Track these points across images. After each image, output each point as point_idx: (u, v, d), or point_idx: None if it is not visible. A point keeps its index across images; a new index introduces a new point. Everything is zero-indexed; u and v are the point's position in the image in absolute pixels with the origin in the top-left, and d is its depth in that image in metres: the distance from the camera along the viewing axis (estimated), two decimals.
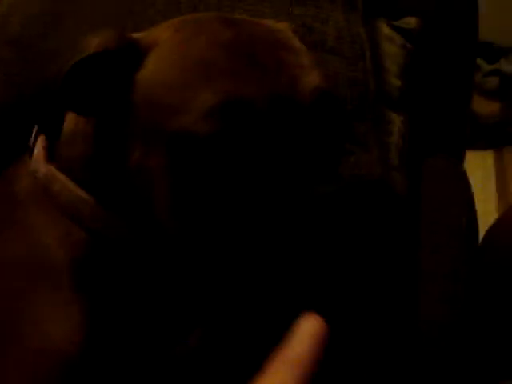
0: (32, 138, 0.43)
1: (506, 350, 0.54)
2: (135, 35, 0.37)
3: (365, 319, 0.52)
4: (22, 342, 0.36)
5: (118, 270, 0.38)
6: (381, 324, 0.51)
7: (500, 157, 1.40)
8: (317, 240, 0.33)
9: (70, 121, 0.41)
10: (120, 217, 0.38)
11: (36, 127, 0.44)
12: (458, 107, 0.66)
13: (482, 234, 0.61)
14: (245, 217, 0.33)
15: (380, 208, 0.50)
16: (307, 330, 0.26)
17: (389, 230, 0.52)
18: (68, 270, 0.37)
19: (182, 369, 0.39)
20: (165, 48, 0.36)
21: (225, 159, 0.33)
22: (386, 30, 0.65)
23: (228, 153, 0.33)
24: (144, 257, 0.38)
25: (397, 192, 0.55)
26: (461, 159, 0.68)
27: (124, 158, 0.37)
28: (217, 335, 0.39)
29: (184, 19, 0.39)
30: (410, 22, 0.65)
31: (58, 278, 0.37)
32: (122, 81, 0.36)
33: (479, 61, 1.37)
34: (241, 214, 0.33)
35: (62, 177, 0.39)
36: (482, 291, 0.57)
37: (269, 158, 0.33)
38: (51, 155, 0.41)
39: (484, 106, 1.39)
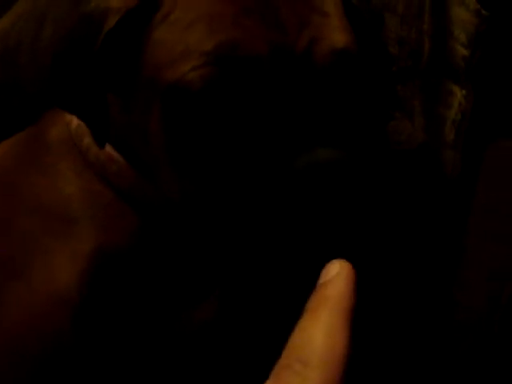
0: None
1: None
2: None
3: (396, 303, 0.49)
4: (29, 282, 0.37)
5: (135, 233, 0.38)
6: (411, 308, 0.48)
7: None
8: (333, 210, 0.30)
9: None
10: (146, 179, 0.38)
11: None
12: None
13: None
14: (247, 175, 0.31)
15: (419, 181, 0.46)
16: (340, 273, 0.27)
17: (429, 206, 0.48)
18: (84, 222, 0.38)
19: (196, 339, 0.38)
20: (173, 2, 0.34)
21: (220, 115, 0.31)
22: None
23: (224, 109, 0.30)
24: (163, 219, 0.38)
25: (446, 169, 0.50)
26: None
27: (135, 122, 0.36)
28: (233, 303, 0.38)
29: None
30: None
31: (73, 227, 0.38)
32: (139, 40, 0.35)
33: None
34: (242, 172, 0.31)
35: None
36: None
37: (274, 118, 0.30)
38: None
39: None
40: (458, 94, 0.55)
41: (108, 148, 0.39)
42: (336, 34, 0.33)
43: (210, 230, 0.34)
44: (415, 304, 0.50)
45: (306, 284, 0.28)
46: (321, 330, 0.25)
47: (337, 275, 0.27)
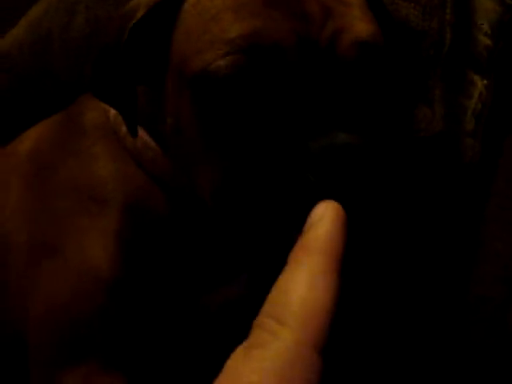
0: None
1: None
2: None
3: (412, 295, 0.50)
4: (64, 259, 0.38)
5: (163, 215, 0.40)
6: (427, 300, 0.48)
7: None
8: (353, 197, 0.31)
9: None
10: (177, 168, 0.39)
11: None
12: None
13: None
14: (268, 158, 0.32)
15: (438, 168, 0.46)
16: (326, 215, 0.25)
17: (447, 194, 0.48)
18: (118, 203, 0.39)
19: (226, 317, 0.40)
20: None
21: (246, 101, 0.32)
22: None
23: (250, 96, 0.31)
24: (194, 207, 0.39)
25: (465, 157, 0.51)
26: None
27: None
28: (262, 282, 0.39)
29: None
30: None
31: (107, 208, 0.39)
32: (168, 32, 0.36)
33: None
34: (264, 155, 0.32)
35: None
36: None
37: (295, 106, 0.31)
38: None
39: None
40: (479, 83, 0.55)
41: (145, 136, 0.40)
42: (360, 25, 0.34)
43: (234, 220, 0.35)
44: (431, 296, 0.50)
45: None
46: (301, 282, 0.23)
47: (321, 218, 0.25)
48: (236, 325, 0.40)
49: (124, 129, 0.41)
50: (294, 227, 0.30)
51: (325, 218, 0.25)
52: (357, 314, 0.48)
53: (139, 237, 0.38)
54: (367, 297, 0.49)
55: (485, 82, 0.55)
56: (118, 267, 0.37)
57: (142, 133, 0.40)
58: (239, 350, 0.23)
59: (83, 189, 0.40)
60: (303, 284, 0.22)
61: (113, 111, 0.42)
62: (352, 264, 0.26)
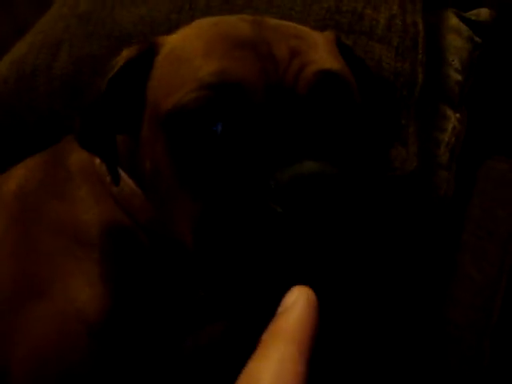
0: None
1: None
2: (158, 38, 0.39)
3: (386, 315, 0.51)
4: (50, 301, 0.39)
5: (147, 259, 0.40)
6: (401, 322, 0.50)
7: None
8: (328, 233, 0.32)
9: None
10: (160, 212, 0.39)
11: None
12: None
13: None
14: (238, 193, 0.32)
15: (413, 203, 0.48)
16: (297, 302, 0.25)
17: (422, 227, 0.50)
18: (102, 247, 0.40)
19: (198, 361, 0.40)
20: (173, 43, 0.38)
21: (216, 138, 0.33)
22: (453, 20, 0.61)
23: (219, 131, 0.33)
24: (175, 251, 0.40)
25: (439, 190, 0.53)
26: None
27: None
28: (240, 329, 0.40)
29: (208, 18, 0.40)
30: (481, 13, 0.61)
31: (91, 251, 0.40)
32: (142, 84, 0.38)
33: None
34: (235, 190, 0.33)
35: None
36: None
37: (262, 139, 0.32)
38: None
39: None
40: (452, 117, 0.57)
41: (131, 183, 0.41)
42: (324, 58, 0.36)
43: (214, 263, 0.35)
44: (407, 324, 0.52)
45: None
46: (270, 370, 0.23)
47: (293, 304, 0.25)
48: (214, 369, 0.40)
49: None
50: (270, 272, 0.31)
51: (296, 304, 0.25)
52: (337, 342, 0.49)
53: (124, 280, 0.39)
54: (344, 325, 0.50)
55: (457, 115, 0.57)
56: (103, 310, 0.37)
57: (128, 180, 0.41)
58: None
59: (68, 232, 0.41)
60: (271, 372, 0.23)
61: (98, 160, 0.43)
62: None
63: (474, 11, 0.62)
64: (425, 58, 0.51)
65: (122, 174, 0.41)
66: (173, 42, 0.38)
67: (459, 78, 0.58)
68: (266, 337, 0.24)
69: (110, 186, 0.42)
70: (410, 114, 0.49)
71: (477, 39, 0.60)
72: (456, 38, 0.60)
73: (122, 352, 0.38)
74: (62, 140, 0.49)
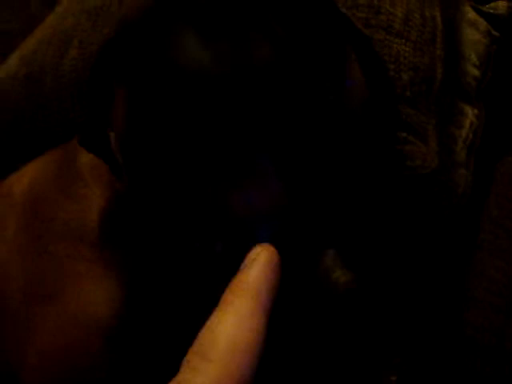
0: None
1: None
2: None
3: (404, 321, 0.50)
4: (61, 306, 0.38)
5: (165, 256, 0.39)
6: (417, 323, 0.49)
7: None
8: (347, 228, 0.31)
9: None
10: None
11: None
12: None
13: None
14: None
15: (431, 202, 0.47)
16: (258, 258, 0.26)
17: (440, 226, 0.49)
18: (113, 247, 0.39)
19: None
20: None
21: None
22: (470, 14, 0.60)
23: None
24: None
25: (458, 188, 0.52)
26: None
27: None
28: None
29: None
30: (499, 6, 0.60)
31: (102, 252, 0.39)
32: None
33: None
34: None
35: None
36: None
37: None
38: None
39: None
40: (470, 113, 0.56)
41: None
42: None
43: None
44: (423, 320, 0.51)
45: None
46: (228, 323, 0.24)
47: (254, 260, 0.26)
48: None
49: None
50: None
51: (257, 260, 0.26)
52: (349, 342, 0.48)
53: (137, 280, 0.38)
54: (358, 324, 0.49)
55: (475, 111, 0.56)
56: (116, 314, 0.37)
57: None
58: None
59: (77, 233, 0.40)
60: (230, 324, 0.24)
61: None
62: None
63: (492, 4, 0.60)
64: (443, 52, 0.50)
65: None
66: None
67: (476, 72, 0.57)
68: (226, 291, 0.25)
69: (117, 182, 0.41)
70: (430, 110, 0.48)
71: (494, 33, 0.59)
72: (473, 31, 0.59)
73: (136, 356, 0.37)
74: (73, 138, 0.48)
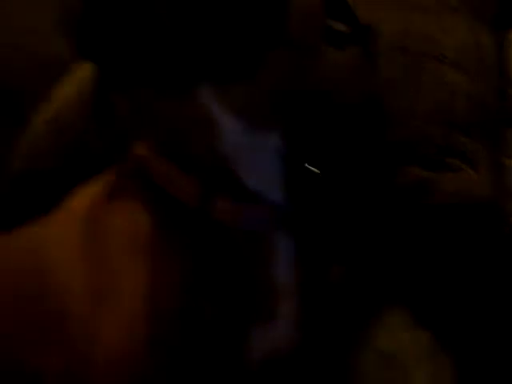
0: None
1: None
2: None
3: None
4: (116, 309, 0.40)
5: (210, 258, 0.41)
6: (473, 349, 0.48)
7: None
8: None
9: None
10: None
11: None
12: None
13: None
14: None
15: (483, 233, 0.47)
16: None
17: (490, 255, 0.48)
18: (163, 251, 0.41)
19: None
20: None
21: None
22: None
23: None
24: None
25: (509, 217, 0.51)
26: None
27: None
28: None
29: None
30: None
31: (153, 259, 0.41)
32: None
33: None
34: None
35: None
36: None
37: None
38: None
39: None
40: None
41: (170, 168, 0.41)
42: None
43: None
44: (480, 348, 0.50)
45: None
46: None
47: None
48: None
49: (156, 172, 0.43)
50: None
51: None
52: None
53: (189, 283, 0.40)
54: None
55: None
56: (167, 318, 0.39)
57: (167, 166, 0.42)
58: None
59: (130, 242, 0.42)
60: None
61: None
62: None
63: None
64: (495, 81, 0.50)
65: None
66: None
67: None
68: None
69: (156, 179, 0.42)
70: (482, 138, 0.47)
71: None
72: None
73: (188, 360, 0.38)
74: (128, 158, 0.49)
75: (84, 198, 0.47)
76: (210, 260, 0.41)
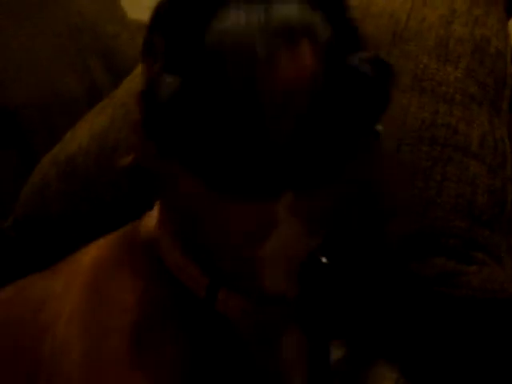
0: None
1: None
2: None
3: None
4: (131, 376, 0.40)
5: (214, 340, 0.41)
6: None
7: None
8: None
9: None
10: None
11: None
12: None
13: None
14: None
15: (507, 329, 0.48)
16: None
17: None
18: (170, 324, 0.41)
19: None
20: None
21: None
22: None
23: None
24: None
25: None
26: None
27: None
28: None
29: None
30: None
31: (162, 330, 0.41)
32: None
33: None
34: None
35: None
36: None
37: None
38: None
39: None
40: None
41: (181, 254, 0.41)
42: None
43: None
44: None
45: None
46: None
47: None
48: None
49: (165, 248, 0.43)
50: None
51: None
52: None
53: (194, 361, 0.40)
54: None
55: None
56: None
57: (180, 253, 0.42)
58: None
59: (132, 312, 0.42)
60: None
61: (155, 228, 0.44)
62: None
63: None
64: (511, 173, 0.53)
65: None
66: None
67: None
68: None
69: (165, 257, 0.42)
70: (502, 232, 0.49)
71: None
72: None
73: None
74: (141, 216, 0.49)
75: (93, 260, 0.47)
76: (213, 352, 0.40)
